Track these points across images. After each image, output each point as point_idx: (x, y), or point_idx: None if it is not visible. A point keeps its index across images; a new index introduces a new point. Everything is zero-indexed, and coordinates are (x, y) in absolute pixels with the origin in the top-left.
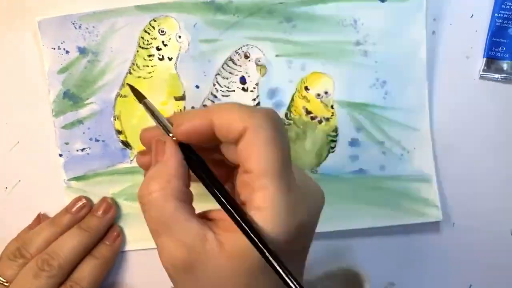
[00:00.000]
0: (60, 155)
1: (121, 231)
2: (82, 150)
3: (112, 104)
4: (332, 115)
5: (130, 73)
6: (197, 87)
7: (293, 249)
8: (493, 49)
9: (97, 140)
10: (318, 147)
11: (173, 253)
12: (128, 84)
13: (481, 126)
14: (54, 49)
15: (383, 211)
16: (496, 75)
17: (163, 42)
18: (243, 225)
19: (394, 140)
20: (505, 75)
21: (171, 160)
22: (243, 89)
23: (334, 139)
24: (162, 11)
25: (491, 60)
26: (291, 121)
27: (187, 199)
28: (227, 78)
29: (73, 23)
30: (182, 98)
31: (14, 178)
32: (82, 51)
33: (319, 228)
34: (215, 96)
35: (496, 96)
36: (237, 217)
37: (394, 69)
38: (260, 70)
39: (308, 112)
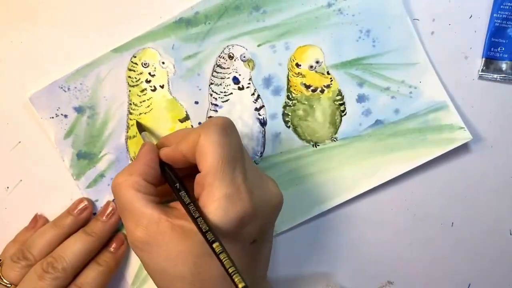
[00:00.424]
0: (94, 213)
1: (125, 239)
2: (113, 201)
3: (125, 148)
4: (331, 80)
5: (130, 113)
6: (196, 103)
7: (240, 237)
8: (492, 49)
9: None
10: (329, 115)
11: (133, 233)
12: (136, 122)
13: (480, 127)
14: (53, 117)
15: (413, 152)
16: (495, 75)
17: (149, 73)
18: (191, 211)
19: (398, 81)
20: (504, 75)
21: (138, 160)
22: (239, 88)
23: (342, 101)
24: (138, 45)
25: (490, 60)
26: (295, 101)
27: (147, 191)
28: (220, 84)
29: (61, 87)
30: (187, 118)
31: (15, 178)
32: (79, 110)
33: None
34: (216, 105)
35: (495, 96)
36: (185, 203)
37: (373, 15)
38: (248, 64)
39: (307, 87)
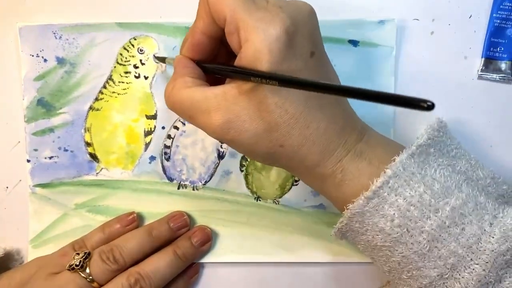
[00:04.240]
0: (28, 161)
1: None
2: (50, 158)
3: (84, 116)
4: None
5: (105, 87)
6: None
7: (297, 52)
8: (492, 49)
9: (65, 150)
10: (282, 178)
11: (211, 123)
12: (154, 56)
13: (480, 126)
14: (33, 56)
15: (340, 247)
16: (495, 75)
17: (141, 60)
18: (241, 68)
19: None
20: (503, 75)
21: (176, 70)
22: None
23: None
24: (143, 30)
25: (490, 60)
26: None
27: (198, 83)
28: None
29: (54, 33)
30: (154, 117)
31: (14, 178)
32: (61, 61)
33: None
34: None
35: (495, 96)
36: (235, 66)
37: (362, 112)
38: None
39: None
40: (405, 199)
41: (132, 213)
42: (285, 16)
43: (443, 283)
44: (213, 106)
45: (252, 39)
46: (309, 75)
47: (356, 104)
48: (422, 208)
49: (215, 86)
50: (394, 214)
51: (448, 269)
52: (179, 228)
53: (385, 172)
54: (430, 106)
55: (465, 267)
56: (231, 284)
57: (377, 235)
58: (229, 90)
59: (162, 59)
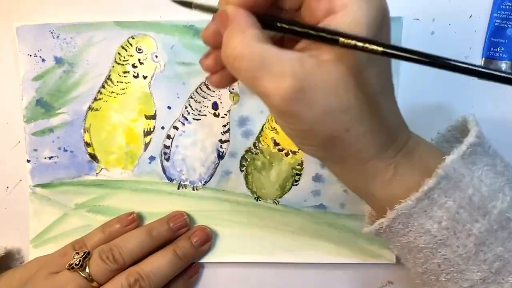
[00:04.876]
0: (28, 161)
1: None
2: (50, 158)
3: (83, 116)
4: (299, 149)
5: (103, 87)
6: (169, 107)
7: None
8: (492, 49)
9: (65, 150)
10: (282, 178)
11: (279, 89)
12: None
13: (480, 127)
14: (31, 56)
15: (340, 248)
16: None
17: (139, 60)
18: (327, 31)
19: None
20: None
21: (237, 17)
22: (215, 114)
23: (299, 172)
24: (141, 29)
25: (490, 60)
26: (258, 151)
27: (268, 40)
28: (199, 102)
29: (52, 33)
30: (153, 117)
31: (14, 178)
32: (59, 61)
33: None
34: (186, 119)
35: (495, 96)
36: (320, 28)
37: None
38: (233, 97)
39: (276, 144)
40: (455, 201)
41: (132, 213)
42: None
43: (485, 287)
44: (288, 70)
45: (352, 9)
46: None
47: None
48: (471, 211)
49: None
50: (442, 216)
51: (492, 273)
52: (179, 228)
53: (437, 173)
54: None
55: (509, 271)
56: (231, 284)
57: (421, 236)
58: (306, 58)
59: (204, 8)
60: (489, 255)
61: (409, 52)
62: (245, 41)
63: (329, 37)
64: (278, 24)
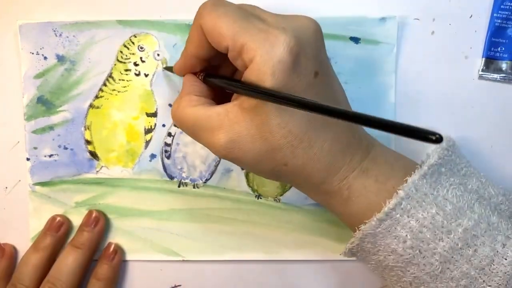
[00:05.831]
0: (28, 159)
1: (118, 247)
2: (50, 156)
3: (84, 114)
4: None
5: (105, 85)
6: (170, 105)
7: (301, 72)
8: (492, 49)
9: (65, 148)
10: None
11: (215, 142)
12: (165, 67)
13: (480, 127)
14: (33, 53)
15: (340, 245)
16: (495, 75)
17: (141, 58)
18: (245, 85)
19: None
20: (504, 75)
21: (183, 88)
22: None
23: None
24: (144, 27)
25: (490, 60)
26: None
27: (203, 102)
28: None
29: (54, 31)
30: (154, 115)
31: (14, 178)
32: (61, 58)
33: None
34: None
35: (495, 96)
36: (239, 82)
37: (363, 110)
38: None
39: None
40: (417, 220)
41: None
42: (289, 36)
43: None
44: (216, 125)
45: (256, 61)
46: (314, 95)
47: None
48: (435, 230)
49: (219, 104)
50: (406, 235)
51: None
52: (57, 229)
53: (397, 193)
54: (438, 139)
55: None
56: (232, 282)
57: (389, 255)
58: (231, 108)
59: (170, 69)
60: (455, 272)
61: (303, 103)
62: (180, 108)
63: (246, 93)
64: (208, 79)
